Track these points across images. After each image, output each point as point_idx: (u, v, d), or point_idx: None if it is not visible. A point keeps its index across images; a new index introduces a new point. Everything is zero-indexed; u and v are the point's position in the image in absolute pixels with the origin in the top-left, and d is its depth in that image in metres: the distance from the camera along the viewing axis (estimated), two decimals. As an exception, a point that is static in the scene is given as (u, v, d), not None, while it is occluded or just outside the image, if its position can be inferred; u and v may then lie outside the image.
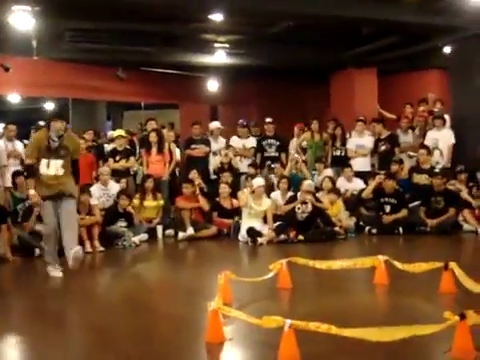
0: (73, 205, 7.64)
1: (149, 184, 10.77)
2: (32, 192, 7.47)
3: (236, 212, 10.81)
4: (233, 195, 11.03)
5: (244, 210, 10.36)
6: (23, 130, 12.76)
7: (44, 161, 7.40)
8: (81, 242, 9.05)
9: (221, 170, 11.93)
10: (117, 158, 11.64)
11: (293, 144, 13.27)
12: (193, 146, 12.27)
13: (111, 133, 14.59)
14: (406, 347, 4.16)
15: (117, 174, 11.25)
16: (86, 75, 13.88)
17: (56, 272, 7.62)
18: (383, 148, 12.21)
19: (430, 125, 12.55)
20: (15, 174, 10.15)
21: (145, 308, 6.08)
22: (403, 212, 10.73)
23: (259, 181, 10.49)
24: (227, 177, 11.42)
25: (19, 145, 11.15)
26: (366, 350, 4.17)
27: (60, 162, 7.41)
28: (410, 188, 11.46)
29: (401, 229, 10.51)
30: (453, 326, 4.05)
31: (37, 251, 9.00)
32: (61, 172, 7.44)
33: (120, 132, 12.63)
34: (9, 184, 10.15)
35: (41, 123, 11.97)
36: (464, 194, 10.93)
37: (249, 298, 6.01)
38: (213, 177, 12.13)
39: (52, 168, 7.40)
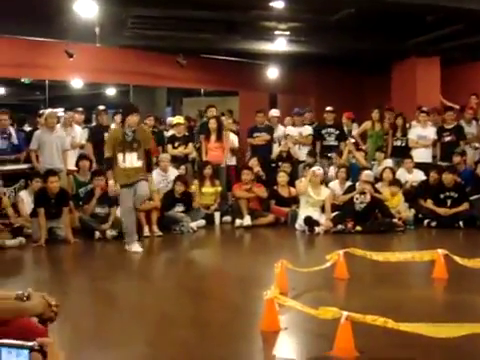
0: (146, 185, 8.33)
1: (208, 171, 10.85)
2: (111, 182, 8.20)
3: (294, 201, 10.78)
4: (291, 183, 11.02)
5: (302, 199, 10.32)
6: (85, 115, 13.02)
7: (120, 155, 8.06)
8: (140, 226, 9.25)
9: (280, 159, 11.94)
10: (176, 144, 11.78)
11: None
12: (255, 134, 12.34)
13: (170, 119, 14.74)
14: (463, 344, 4.08)
15: (175, 160, 11.38)
16: (147, 62, 14.02)
17: (136, 247, 8.19)
18: (448, 139, 11.94)
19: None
20: (80, 158, 10.42)
21: (201, 294, 6.16)
22: (464, 205, 10.48)
23: (315, 169, 10.43)
24: (286, 167, 11.41)
25: (77, 130, 11.37)
26: (422, 345, 4.12)
27: (135, 154, 8.08)
28: (472, 180, 11.18)
29: (462, 223, 10.26)
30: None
31: (97, 234, 9.22)
32: (137, 164, 8.11)
33: (179, 119, 12.74)
34: (71, 167, 10.39)
35: (101, 107, 12.19)
36: None
37: (305, 288, 6.02)
38: (272, 165, 12.13)
39: (128, 161, 8.06)
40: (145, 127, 9.02)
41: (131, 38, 12.93)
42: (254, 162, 11.48)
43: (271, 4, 11.12)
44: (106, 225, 9.35)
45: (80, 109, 12.17)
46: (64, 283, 6.68)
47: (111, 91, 24.10)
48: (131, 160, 8.06)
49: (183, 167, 11.35)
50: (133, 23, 12.45)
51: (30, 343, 1.65)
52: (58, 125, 10.85)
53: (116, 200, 9.56)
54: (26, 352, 1.65)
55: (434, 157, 12.19)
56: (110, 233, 9.23)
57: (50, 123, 10.08)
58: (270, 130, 12.44)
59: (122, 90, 22.23)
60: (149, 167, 8.54)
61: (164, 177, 10.77)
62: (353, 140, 12.71)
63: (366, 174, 10.45)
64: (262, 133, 12.33)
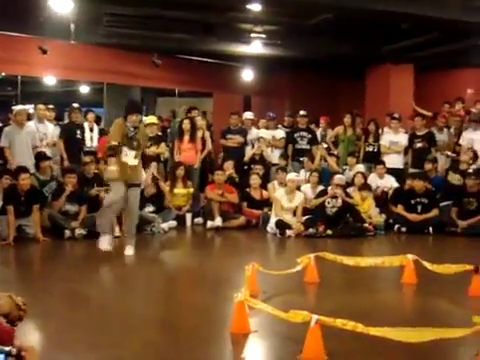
0: (138, 193, 8.21)
1: (180, 172, 10.81)
2: (113, 168, 7.82)
3: (266, 203, 10.81)
4: (263, 186, 11.04)
5: (274, 202, 10.34)
6: (58, 112, 12.90)
7: (124, 148, 7.83)
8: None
9: (253, 161, 11.94)
10: (148, 144, 11.69)
11: (319, 136, 13.19)
12: (229, 136, 12.32)
13: (144, 119, 14.64)
14: (432, 349, 4.12)
15: (147, 160, 11.28)
16: (122, 60, 13.93)
17: (105, 245, 7.93)
18: (419, 145, 12.05)
19: (466, 124, 12.37)
20: (38, 158, 10.22)
21: (171, 296, 6.13)
22: (434, 211, 10.59)
23: (291, 176, 10.44)
24: (258, 169, 11.43)
25: (50, 127, 11.24)
26: (391, 349, 4.15)
27: (133, 153, 7.85)
28: (442, 187, 11.30)
29: (431, 229, 10.37)
30: (482, 331, 4.00)
31: (67, 233, 9.12)
32: (133, 162, 7.87)
33: (152, 119, 12.67)
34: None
35: (75, 105, 12.07)
36: None
37: (275, 291, 6.01)
38: (245, 167, 12.13)
39: (128, 157, 7.84)
40: (144, 128, 8.92)
41: (106, 36, 12.83)
42: (228, 165, 11.49)
43: (248, 6, 11.14)
44: (76, 223, 9.26)
45: (51, 106, 12.03)
46: (32, 283, 6.59)
47: (85, 89, 23.87)
48: (129, 157, 7.85)
49: (154, 164, 11.21)
50: (109, 21, 12.36)
51: (7, 348, 1.62)
52: (30, 122, 10.73)
53: (86, 199, 9.50)
54: (2, 357, 1.61)
55: (406, 163, 12.30)
56: (79, 232, 9.14)
57: (19, 120, 9.96)
58: (243, 132, 12.45)
59: (96, 88, 22.05)
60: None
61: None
62: (325, 145, 12.78)
63: (338, 178, 10.51)
64: (235, 135, 12.33)
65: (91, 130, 11.90)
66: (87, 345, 4.40)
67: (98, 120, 13.43)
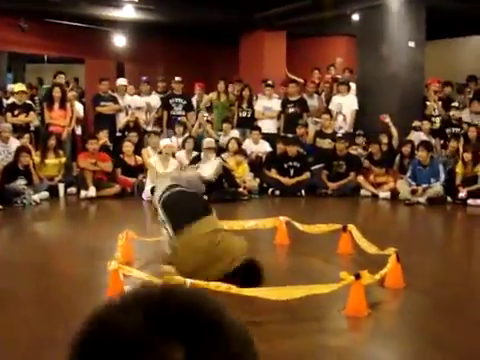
0: None
1: (52, 142, 10.44)
2: None
3: (140, 170, 10.71)
4: (137, 152, 10.93)
5: (150, 170, 10.26)
6: None
7: None
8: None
9: (127, 128, 11.75)
10: (16, 113, 11.22)
11: (194, 102, 13.16)
12: (103, 103, 12.00)
13: (12, 87, 14.00)
14: (304, 306, 4.28)
15: (16, 130, 10.84)
16: (-15, 24, 13.23)
17: None
18: (291, 110, 12.34)
19: (335, 91, 12.80)
20: None
21: (45, 269, 5.94)
22: (306, 175, 10.96)
23: (166, 141, 10.38)
24: (133, 136, 11.26)
25: None
26: (265, 309, 4.27)
27: None
28: (314, 151, 11.69)
29: (303, 191, 10.74)
30: (348, 285, 4.21)
31: None
32: None
33: (21, 86, 12.12)
34: None
35: None
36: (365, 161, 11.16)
37: (151, 257, 5.99)
38: (118, 134, 11.92)
39: None
40: None
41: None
42: (102, 134, 11.23)
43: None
44: None
45: None
46: None
47: None
48: None
49: (27, 136, 10.80)
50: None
51: None
52: None
53: None
54: None
55: (279, 128, 12.58)
56: None
57: None
58: (115, 99, 12.16)
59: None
60: None
61: (5, 148, 10.23)
62: (206, 113, 12.77)
63: (207, 141, 10.61)
64: (108, 102, 12.04)
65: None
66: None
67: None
